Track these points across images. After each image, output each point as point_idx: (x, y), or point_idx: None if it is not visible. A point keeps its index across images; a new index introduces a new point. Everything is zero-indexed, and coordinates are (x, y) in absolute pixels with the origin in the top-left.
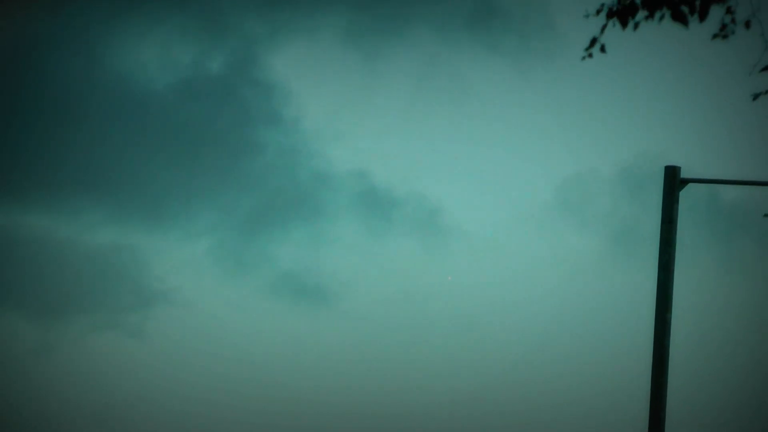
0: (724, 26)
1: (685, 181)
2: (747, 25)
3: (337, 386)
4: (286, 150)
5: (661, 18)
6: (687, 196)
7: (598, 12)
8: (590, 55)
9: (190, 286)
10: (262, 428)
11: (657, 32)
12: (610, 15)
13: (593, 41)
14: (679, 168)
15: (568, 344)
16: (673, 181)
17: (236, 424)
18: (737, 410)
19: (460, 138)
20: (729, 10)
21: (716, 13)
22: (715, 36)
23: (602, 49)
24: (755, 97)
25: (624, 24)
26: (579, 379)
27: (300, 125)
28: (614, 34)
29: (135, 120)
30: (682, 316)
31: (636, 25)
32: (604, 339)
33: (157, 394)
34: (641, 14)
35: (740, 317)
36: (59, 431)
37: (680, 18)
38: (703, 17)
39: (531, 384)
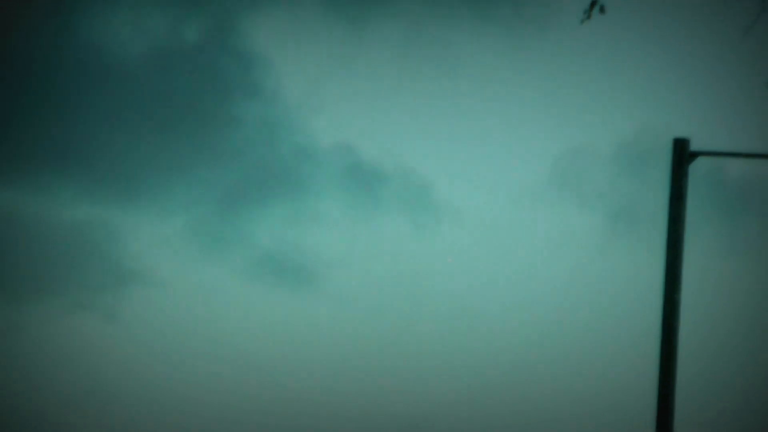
0: None
1: (695, 155)
2: None
3: (321, 371)
4: (267, 123)
5: None
6: (691, 171)
7: None
8: (590, 17)
9: (167, 265)
10: (241, 416)
11: None
12: None
13: (593, 2)
14: (688, 140)
15: (570, 328)
16: (682, 154)
17: (213, 409)
18: (746, 393)
19: (451, 110)
20: None
21: None
22: None
23: (602, 10)
24: None
25: None
26: (582, 365)
27: (281, 97)
28: None
29: (107, 91)
30: (690, 297)
31: None
32: (609, 321)
33: (131, 377)
34: None
35: (750, 299)
36: (30, 414)
37: None
38: None
39: (531, 370)
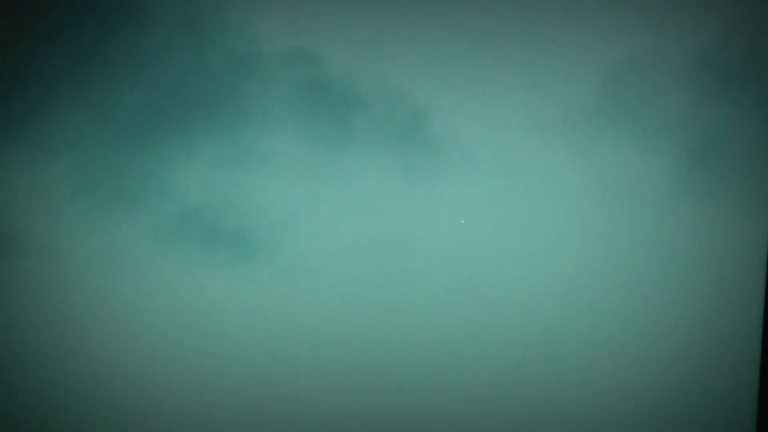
0: None
1: None
2: None
3: (271, 371)
4: (188, 20)
5: None
6: None
7: None
8: None
9: (46, 227)
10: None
11: None
12: None
13: None
14: None
15: (620, 315)
16: None
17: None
18: None
19: (453, 6)
20: None
21: None
22: None
23: None
24: None
25: None
26: (676, 361)
27: None
28: None
29: None
30: None
31: None
32: (679, 304)
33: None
34: None
35: None
36: None
37: None
38: None
39: (559, 370)
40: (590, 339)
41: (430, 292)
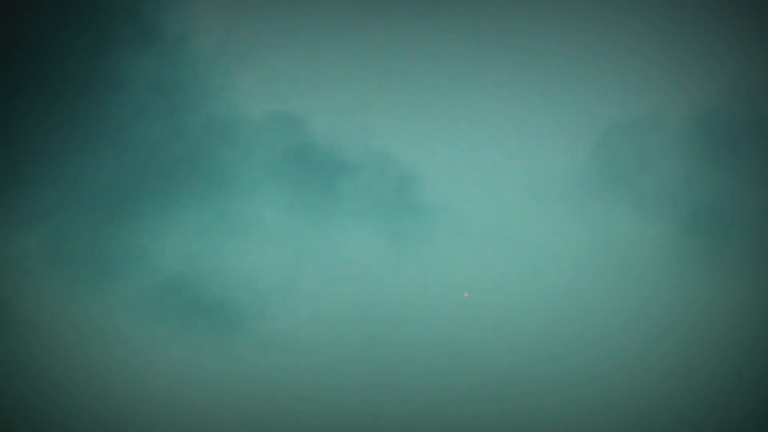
0: None
1: None
2: None
3: None
4: (166, 84)
5: None
6: None
7: None
8: None
9: (23, 298)
10: None
11: None
12: None
13: None
14: None
15: (620, 386)
16: None
17: None
18: None
19: (446, 67)
20: None
21: None
22: None
23: None
24: None
25: None
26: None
27: (187, 45)
28: None
29: None
30: None
31: None
32: (681, 371)
33: None
34: None
35: None
36: None
37: None
38: None
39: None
40: (590, 408)
41: (421, 369)
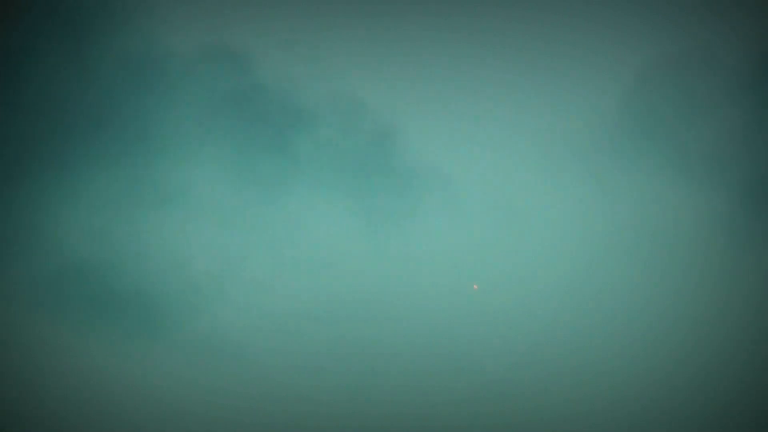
0: None
1: None
2: None
3: None
4: (65, 6)
5: None
6: None
7: None
8: None
9: None
10: None
11: None
12: None
13: None
14: None
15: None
16: None
17: None
18: None
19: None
20: None
21: None
22: None
23: None
24: None
25: None
26: None
27: None
28: None
29: None
30: None
31: None
32: (735, 362)
33: None
34: None
35: None
36: None
37: None
38: None
39: None
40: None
41: (401, 382)
